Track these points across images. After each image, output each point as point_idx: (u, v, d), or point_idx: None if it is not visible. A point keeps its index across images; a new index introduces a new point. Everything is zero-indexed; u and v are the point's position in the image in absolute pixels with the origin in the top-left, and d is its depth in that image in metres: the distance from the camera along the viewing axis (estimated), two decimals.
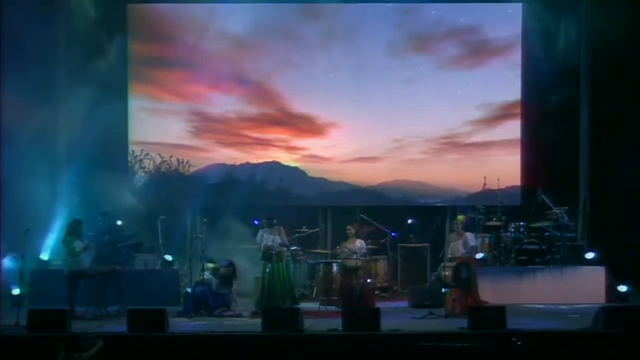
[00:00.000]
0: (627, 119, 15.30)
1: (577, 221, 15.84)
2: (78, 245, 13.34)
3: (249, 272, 14.87)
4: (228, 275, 13.65)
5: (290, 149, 16.91)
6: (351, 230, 14.03)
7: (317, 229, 16.47)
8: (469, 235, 13.50)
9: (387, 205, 16.59)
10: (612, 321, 11.05)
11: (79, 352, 7.36)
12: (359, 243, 13.89)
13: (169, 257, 15.20)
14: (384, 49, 16.68)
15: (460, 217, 13.75)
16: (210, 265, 13.76)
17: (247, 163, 16.88)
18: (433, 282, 14.62)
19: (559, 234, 15.06)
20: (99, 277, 13.33)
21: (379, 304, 13.58)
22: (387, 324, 11.36)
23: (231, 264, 13.78)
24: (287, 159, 16.91)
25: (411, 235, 16.23)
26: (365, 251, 14.03)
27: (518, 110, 16.66)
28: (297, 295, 14.08)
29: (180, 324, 12.36)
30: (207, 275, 13.53)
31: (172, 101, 16.83)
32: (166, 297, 13.79)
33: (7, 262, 14.17)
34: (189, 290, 13.61)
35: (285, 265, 13.71)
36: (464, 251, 13.35)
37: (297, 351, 10.66)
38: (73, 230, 13.48)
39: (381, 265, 15.57)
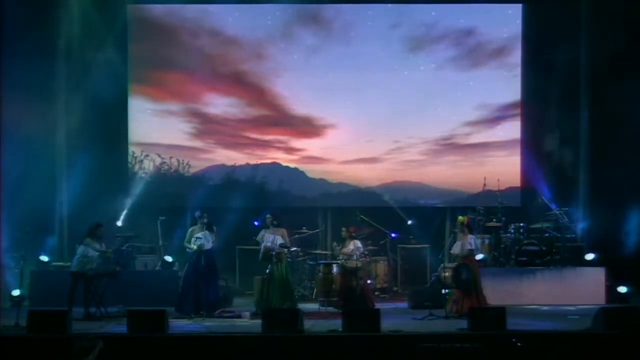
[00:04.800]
0: (627, 119, 15.30)
1: (576, 222, 15.84)
2: (96, 248, 13.36)
3: (250, 272, 14.96)
4: (209, 222, 13.60)
5: (290, 150, 16.91)
6: (345, 232, 14.07)
7: (317, 230, 16.49)
8: (470, 239, 13.45)
9: (386, 206, 16.57)
10: (612, 322, 11.03)
11: (87, 357, 7.43)
12: (353, 244, 13.89)
13: (169, 258, 15.21)
14: (383, 50, 16.67)
15: (460, 218, 13.72)
16: (191, 229, 13.70)
17: (247, 164, 16.88)
18: (433, 283, 14.62)
19: (558, 235, 15.07)
20: (99, 277, 13.33)
21: (379, 305, 13.60)
22: (387, 325, 11.35)
23: (203, 211, 13.72)
24: (286, 160, 16.91)
25: (411, 236, 16.23)
26: (365, 252, 14.04)
27: (518, 111, 16.67)
28: (296, 296, 14.08)
29: (180, 324, 12.35)
30: (199, 241, 13.40)
31: (172, 102, 16.83)
32: (166, 298, 13.78)
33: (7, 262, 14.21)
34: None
35: (285, 266, 13.70)
36: (460, 252, 13.33)
37: (297, 352, 10.65)
38: (93, 233, 13.49)
39: (381, 266, 15.57)
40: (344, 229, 14.21)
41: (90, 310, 13.10)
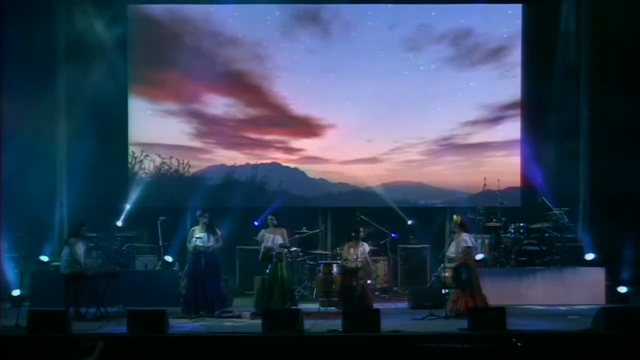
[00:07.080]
0: (627, 119, 15.30)
1: (576, 222, 15.84)
2: (80, 248, 13.32)
3: (250, 272, 14.96)
4: (210, 222, 13.54)
5: (290, 150, 16.91)
6: (362, 233, 14.04)
7: (317, 230, 16.49)
8: (465, 236, 13.43)
9: (386, 206, 16.56)
10: (612, 322, 11.05)
11: (87, 357, 7.47)
12: (363, 247, 13.84)
13: (169, 258, 15.21)
14: (383, 50, 16.67)
15: (455, 218, 13.69)
16: (192, 229, 13.66)
17: (247, 164, 16.87)
18: (433, 283, 14.61)
19: (558, 235, 15.07)
20: (99, 278, 13.32)
21: (379, 305, 13.60)
22: (387, 325, 11.37)
23: (204, 211, 13.65)
24: (286, 160, 16.90)
25: (411, 236, 16.23)
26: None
27: (518, 111, 16.67)
28: (296, 297, 14.08)
29: (181, 325, 12.35)
30: (198, 241, 13.34)
31: (172, 102, 16.82)
32: (166, 298, 13.79)
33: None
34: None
35: (285, 266, 13.70)
36: (456, 252, 13.31)
37: (297, 352, 10.65)
38: (76, 232, 13.45)
39: (381, 266, 15.57)
40: (361, 229, 14.16)
41: (81, 311, 13.01)
